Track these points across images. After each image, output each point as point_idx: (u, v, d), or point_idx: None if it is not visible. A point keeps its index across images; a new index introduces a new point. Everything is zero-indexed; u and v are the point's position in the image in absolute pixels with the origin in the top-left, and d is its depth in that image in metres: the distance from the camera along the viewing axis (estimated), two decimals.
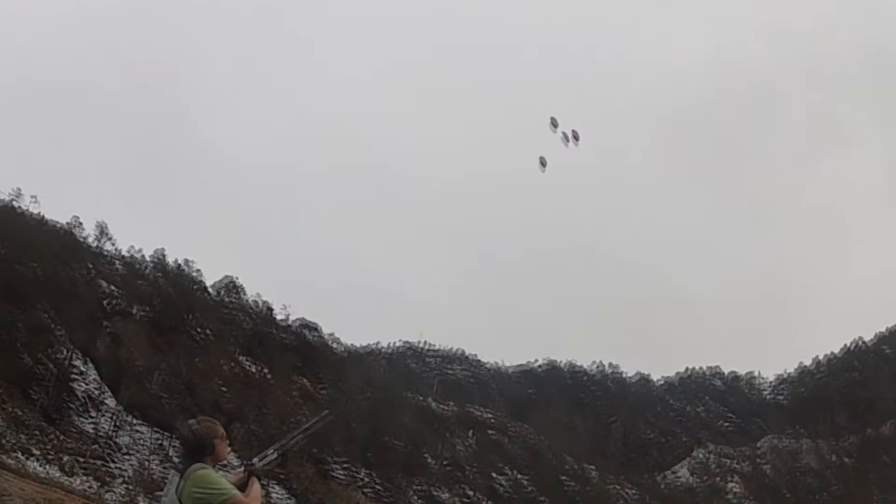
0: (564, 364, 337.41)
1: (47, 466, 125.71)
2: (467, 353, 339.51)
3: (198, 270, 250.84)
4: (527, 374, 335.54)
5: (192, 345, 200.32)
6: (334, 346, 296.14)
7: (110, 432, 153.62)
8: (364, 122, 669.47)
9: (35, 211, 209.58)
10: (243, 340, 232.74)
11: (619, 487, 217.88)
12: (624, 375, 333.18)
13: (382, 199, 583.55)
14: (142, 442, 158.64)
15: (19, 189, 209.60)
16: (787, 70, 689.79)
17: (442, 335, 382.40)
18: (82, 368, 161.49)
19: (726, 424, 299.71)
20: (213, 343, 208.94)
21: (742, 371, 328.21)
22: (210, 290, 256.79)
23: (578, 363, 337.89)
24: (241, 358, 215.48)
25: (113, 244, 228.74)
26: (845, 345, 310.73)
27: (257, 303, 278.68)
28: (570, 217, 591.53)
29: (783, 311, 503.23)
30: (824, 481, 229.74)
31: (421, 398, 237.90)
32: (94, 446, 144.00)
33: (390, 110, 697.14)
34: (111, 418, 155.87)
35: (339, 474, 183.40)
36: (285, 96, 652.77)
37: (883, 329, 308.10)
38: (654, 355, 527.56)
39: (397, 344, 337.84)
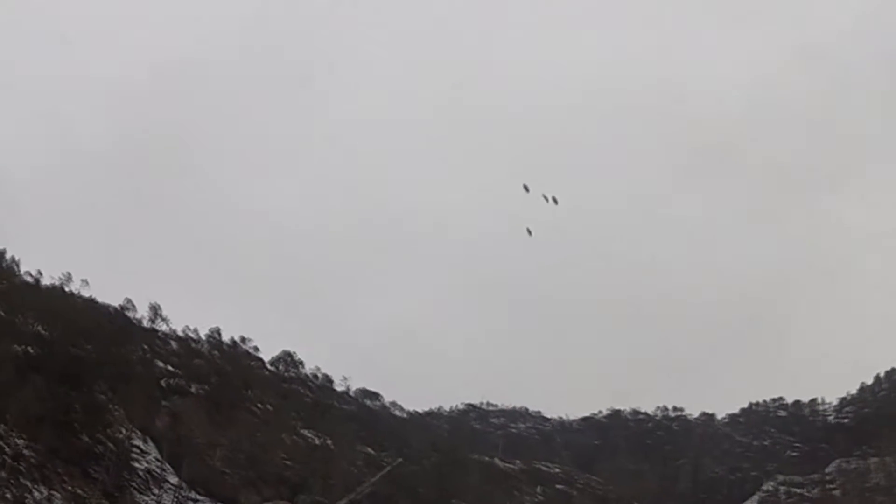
0: (628, 411, 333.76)
1: None
2: (531, 409, 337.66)
3: (254, 347, 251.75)
4: (591, 425, 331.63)
5: (252, 419, 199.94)
6: (396, 412, 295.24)
7: None
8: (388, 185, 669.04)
9: (86, 294, 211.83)
10: (304, 412, 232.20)
11: None
12: (688, 416, 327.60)
13: (428, 263, 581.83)
14: None
15: (69, 273, 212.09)
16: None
17: (504, 394, 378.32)
18: (142, 446, 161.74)
19: (793, 454, 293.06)
20: (274, 416, 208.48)
21: (805, 398, 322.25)
22: (268, 365, 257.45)
23: (642, 409, 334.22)
24: (302, 430, 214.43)
25: (167, 324, 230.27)
26: None
27: (316, 375, 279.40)
28: (616, 263, 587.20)
29: (837, 331, 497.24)
30: (894, 498, 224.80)
31: (487, 458, 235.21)
32: None
33: (412, 170, 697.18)
34: (174, 495, 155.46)
35: None
36: (308, 166, 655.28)
37: None
38: (716, 394, 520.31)
39: (460, 406, 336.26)
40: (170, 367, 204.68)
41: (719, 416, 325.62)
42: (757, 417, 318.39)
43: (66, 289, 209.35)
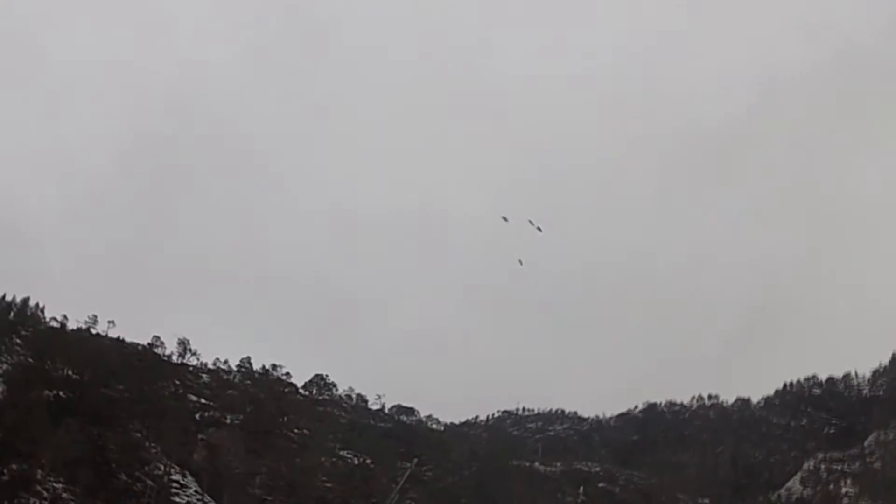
0: (663, 404, 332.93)
1: None
2: (566, 411, 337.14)
3: (286, 373, 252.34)
4: (628, 421, 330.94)
5: (289, 445, 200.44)
6: (433, 425, 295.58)
7: None
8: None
9: (113, 334, 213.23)
10: (341, 434, 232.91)
11: None
12: (723, 403, 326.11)
13: (450, 273, 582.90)
14: None
15: (95, 315, 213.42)
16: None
17: (539, 398, 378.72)
18: (181, 481, 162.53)
19: (831, 430, 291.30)
20: (311, 440, 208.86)
21: (838, 374, 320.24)
22: (301, 389, 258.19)
23: (677, 400, 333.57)
24: (341, 451, 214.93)
25: (197, 357, 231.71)
26: None
27: (350, 396, 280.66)
28: (640, 261, 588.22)
29: (863, 306, 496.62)
30: None
31: (527, 463, 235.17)
32: None
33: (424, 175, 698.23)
34: None
35: None
36: (319, 183, 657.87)
37: None
38: (749, 378, 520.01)
39: (496, 414, 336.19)
40: (203, 400, 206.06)
41: (755, 401, 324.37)
42: (792, 398, 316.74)
43: (93, 331, 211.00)
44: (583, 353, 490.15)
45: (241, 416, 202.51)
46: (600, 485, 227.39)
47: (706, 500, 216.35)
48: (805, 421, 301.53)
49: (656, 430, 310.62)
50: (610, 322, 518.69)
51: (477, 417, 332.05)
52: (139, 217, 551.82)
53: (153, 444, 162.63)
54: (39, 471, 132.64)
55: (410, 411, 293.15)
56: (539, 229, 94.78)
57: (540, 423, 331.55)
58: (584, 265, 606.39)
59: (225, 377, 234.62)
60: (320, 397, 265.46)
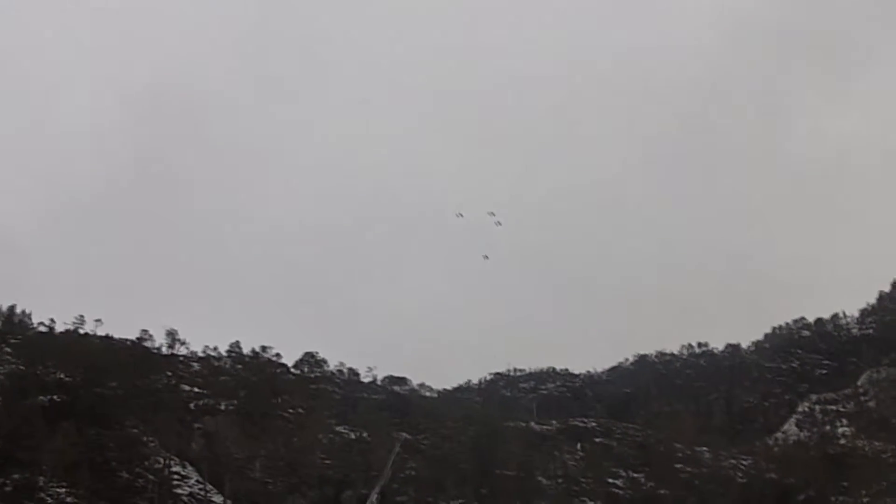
0: (653, 355, 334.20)
1: None
2: (558, 368, 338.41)
3: (276, 354, 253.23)
4: (619, 374, 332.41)
5: (286, 425, 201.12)
6: (426, 393, 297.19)
7: None
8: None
9: (101, 333, 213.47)
10: (335, 409, 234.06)
11: (733, 461, 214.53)
12: (713, 350, 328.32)
13: (434, 242, 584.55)
14: None
15: (82, 316, 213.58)
16: None
17: (529, 359, 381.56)
18: (182, 472, 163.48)
19: (823, 371, 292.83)
20: (307, 418, 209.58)
21: (827, 314, 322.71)
22: (292, 369, 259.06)
23: (667, 350, 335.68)
24: (337, 427, 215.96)
25: (186, 347, 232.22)
26: None
27: (342, 371, 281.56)
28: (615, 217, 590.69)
29: (845, 243, 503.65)
30: None
31: (522, 423, 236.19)
32: None
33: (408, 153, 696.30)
34: None
35: None
36: (301, 163, 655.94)
37: None
38: (737, 324, 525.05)
39: (488, 377, 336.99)
40: (196, 389, 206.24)
41: (744, 346, 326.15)
42: (781, 341, 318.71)
43: (81, 331, 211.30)
44: (569, 309, 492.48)
45: (236, 402, 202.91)
46: (597, 440, 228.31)
47: (703, 448, 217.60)
48: (796, 363, 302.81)
49: (648, 382, 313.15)
50: (593, 278, 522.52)
51: (469, 382, 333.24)
52: (119, 214, 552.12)
53: (151, 439, 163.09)
54: (41, 477, 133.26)
55: (403, 381, 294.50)
56: (498, 223, 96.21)
57: (532, 383, 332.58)
58: (563, 219, 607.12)
59: (216, 364, 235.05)
60: (312, 375, 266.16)
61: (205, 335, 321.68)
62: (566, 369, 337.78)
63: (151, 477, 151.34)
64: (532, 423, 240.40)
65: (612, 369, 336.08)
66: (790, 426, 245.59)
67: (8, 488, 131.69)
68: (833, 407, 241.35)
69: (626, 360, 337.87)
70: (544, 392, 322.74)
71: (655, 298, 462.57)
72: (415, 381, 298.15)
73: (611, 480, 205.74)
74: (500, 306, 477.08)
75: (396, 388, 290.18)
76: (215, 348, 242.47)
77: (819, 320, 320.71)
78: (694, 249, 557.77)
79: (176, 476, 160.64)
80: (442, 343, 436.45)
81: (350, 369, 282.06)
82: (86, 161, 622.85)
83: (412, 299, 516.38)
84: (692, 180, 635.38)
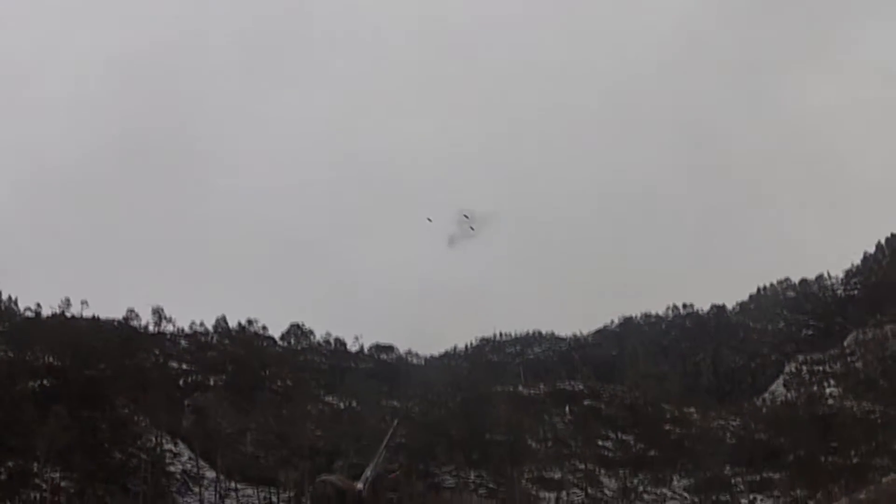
0: (639, 316, 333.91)
1: None
2: (544, 332, 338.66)
3: (262, 326, 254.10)
4: (606, 336, 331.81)
5: (275, 398, 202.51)
6: (413, 360, 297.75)
7: (217, 502, 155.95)
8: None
9: (88, 314, 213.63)
10: (324, 380, 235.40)
11: (722, 422, 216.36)
12: (699, 311, 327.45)
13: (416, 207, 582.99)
14: (254, 503, 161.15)
15: (68, 299, 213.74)
16: None
17: (515, 322, 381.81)
18: (174, 449, 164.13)
19: (809, 332, 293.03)
20: (295, 390, 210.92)
21: (811, 276, 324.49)
22: (279, 341, 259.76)
23: (653, 311, 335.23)
24: (326, 397, 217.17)
25: (173, 324, 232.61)
26: None
27: (328, 341, 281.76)
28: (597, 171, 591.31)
29: (829, 206, 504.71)
30: None
31: (510, 387, 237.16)
32: None
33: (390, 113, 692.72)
34: (214, 489, 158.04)
35: (450, 483, 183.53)
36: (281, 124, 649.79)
37: None
38: (722, 284, 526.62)
39: (474, 342, 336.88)
40: (184, 366, 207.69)
41: (730, 306, 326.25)
42: (767, 301, 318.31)
43: (68, 314, 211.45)
44: (553, 272, 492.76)
45: (224, 376, 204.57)
46: (585, 402, 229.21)
47: (692, 409, 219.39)
48: (782, 324, 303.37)
49: (634, 343, 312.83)
50: (576, 240, 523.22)
51: (455, 347, 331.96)
52: (99, 187, 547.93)
53: (142, 418, 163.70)
54: (35, 463, 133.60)
55: (389, 349, 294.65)
56: (472, 228, 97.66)
57: (518, 347, 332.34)
58: (546, 184, 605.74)
59: (203, 339, 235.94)
60: (299, 347, 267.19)
61: (191, 311, 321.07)
62: (552, 332, 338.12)
63: (144, 457, 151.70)
64: (520, 388, 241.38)
65: (598, 331, 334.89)
66: (777, 387, 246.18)
67: (2, 476, 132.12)
68: (820, 367, 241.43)
69: (612, 322, 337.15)
70: (531, 356, 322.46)
71: (641, 258, 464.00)
72: (402, 349, 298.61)
73: (600, 443, 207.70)
74: (486, 266, 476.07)
75: (384, 356, 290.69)
76: (202, 324, 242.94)
77: (804, 281, 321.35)
78: (671, 205, 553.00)
79: (168, 454, 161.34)
80: (427, 307, 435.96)
81: (336, 339, 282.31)
82: (65, 132, 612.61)
83: (396, 266, 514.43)
84: (675, 137, 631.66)
